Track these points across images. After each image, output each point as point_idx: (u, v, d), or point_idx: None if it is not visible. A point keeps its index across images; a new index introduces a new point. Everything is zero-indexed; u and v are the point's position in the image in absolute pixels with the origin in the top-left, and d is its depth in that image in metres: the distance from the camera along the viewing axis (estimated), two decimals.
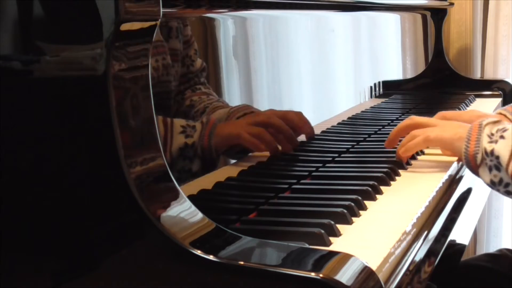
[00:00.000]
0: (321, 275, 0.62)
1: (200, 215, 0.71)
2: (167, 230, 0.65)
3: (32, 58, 0.68)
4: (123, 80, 0.65)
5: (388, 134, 1.24)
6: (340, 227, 0.84)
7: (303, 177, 1.10)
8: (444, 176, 1.12)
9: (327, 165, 1.17)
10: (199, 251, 0.65)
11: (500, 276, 1.29)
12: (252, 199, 0.97)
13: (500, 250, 1.40)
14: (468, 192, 1.20)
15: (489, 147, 1.00)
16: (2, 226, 0.69)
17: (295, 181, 1.07)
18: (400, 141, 1.20)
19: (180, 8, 0.92)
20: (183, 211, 0.69)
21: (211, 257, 0.65)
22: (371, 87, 1.79)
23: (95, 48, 0.65)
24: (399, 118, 1.64)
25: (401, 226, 0.86)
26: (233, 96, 1.07)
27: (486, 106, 1.95)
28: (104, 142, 0.66)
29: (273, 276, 0.64)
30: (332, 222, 0.84)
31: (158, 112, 0.84)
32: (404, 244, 0.84)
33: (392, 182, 1.08)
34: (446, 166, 1.18)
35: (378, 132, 1.46)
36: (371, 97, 1.78)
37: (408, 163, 1.19)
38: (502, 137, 1.00)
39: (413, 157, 1.23)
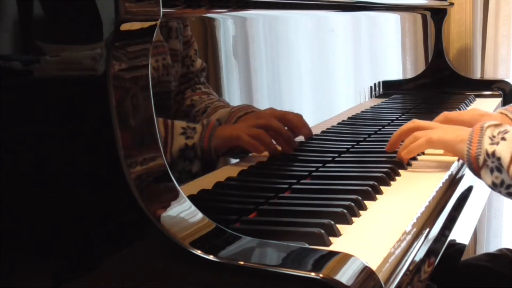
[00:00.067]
0: (321, 275, 0.62)
1: (200, 215, 0.71)
2: (167, 230, 0.65)
3: (32, 58, 0.68)
4: (123, 80, 0.65)
5: (388, 134, 1.24)
6: (340, 227, 0.84)
7: (303, 177, 1.10)
8: (444, 176, 1.12)
9: (327, 165, 1.17)
10: (199, 251, 0.65)
11: (500, 275, 1.29)
12: (252, 199, 0.97)
13: (500, 250, 1.40)
14: (468, 192, 1.20)
15: (490, 149, 1.01)
16: (2, 226, 0.69)
17: (295, 181, 1.07)
18: (400, 144, 1.20)
19: (180, 8, 0.92)
20: (183, 211, 0.69)
21: (211, 257, 0.65)
22: (371, 87, 1.79)
23: (95, 48, 0.65)
24: (399, 118, 1.64)
25: (401, 226, 0.86)
26: (233, 96, 1.07)
27: (486, 106, 1.95)
28: (104, 142, 0.66)
29: (273, 276, 0.64)
30: (332, 222, 0.83)
31: (159, 113, 0.84)
32: (404, 244, 0.84)
33: (392, 182, 1.08)
34: (446, 166, 1.18)
35: (378, 132, 1.46)
36: (371, 97, 1.78)
37: (408, 163, 1.19)
38: (503, 138, 1.00)
39: (414, 157, 1.23)
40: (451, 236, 1.02)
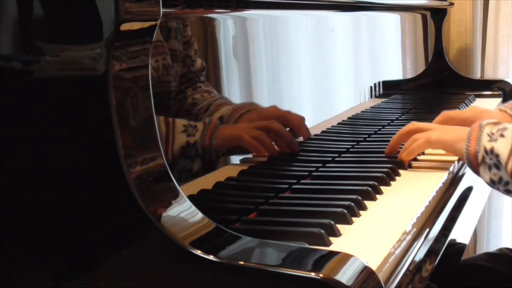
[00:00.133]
0: (321, 275, 0.62)
1: (200, 215, 0.71)
2: (167, 230, 0.65)
3: (32, 58, 0.68)
4: (123, 80, 0.65)
5: (388, 134, 1.24)
6: (340, 227, 0.84)
7: (303, 177, 1.10)
8: (444, 176, 1.12)
9: (327, 165, 1.17)
10: (199, 251, 0.65)
11: (500, 275, 1.29)
12: (252, 199, 0.97)
13: (500, 250, 1.40)
14: (468, 191, 1.20)
15: (489, 146, 1.01)
16: (2, 226, 0.69)
17: (295, 181, 1.07)
18: (401, 147, 1.20)
19: (180, 8, 0.92)
20: (183, 211, 0.69)
21: (211, 257, 0.65)
22: (371, 87, 1.79)
23: (95, 48, 0.65)
24: (399, 118, 1.64)
25: (401, 226, 0.86)
26: (233, 96, 1.07)
27: (486, 106, 1.94)
28: (104, 142, 0.66)
29: (273, 276, 0.64)
30: (332, 222, 0.83)
31: (160, 112, 0.85)
32: (404, 244, 0.84)
33: (392, 182, 1.08)
34: (446, 166, 1.18)
35: (378, 132, 1.46)
36: (371, 97, 1.78)
37: (409, 164, 1.19)
38: (502, 136, 1.00)
39: (414, 158, 1.23)
40: (451, 236, 1.02)
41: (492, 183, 1.02)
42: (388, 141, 1.23)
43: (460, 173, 1.22)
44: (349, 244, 0.80)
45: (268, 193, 0.99)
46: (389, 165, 1.12)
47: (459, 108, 1.81)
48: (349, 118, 1.56)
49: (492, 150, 1.00)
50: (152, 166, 0.68)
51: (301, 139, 1.25)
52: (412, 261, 0.83)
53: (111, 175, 0.66)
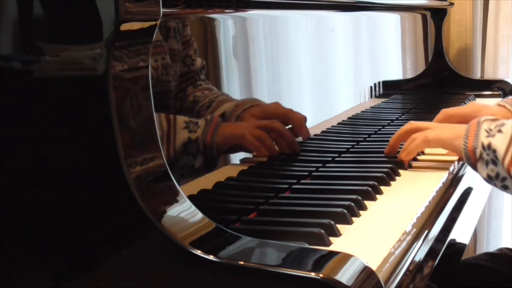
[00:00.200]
0: (321, 275, 0.62)
1: (200, 215, 0.71)
2: (167, 230, 0.65)
3: (32, 58, 0.68)
4: (123, 80, 0.65)
5: (388, 134, 1.24)
6: (340, 227, 0.84)
7: (303, 177, 1.10)
8: (444, 176, 1.12)
9: (327, 165, 1.17)
10: (199, 251, 0.65)
11: (500, 275, 1.29)
12: (252, 199, 0.97)
13: (500, 249, 1.40)
14: (468, 191, 1.20)
15: (486, 141, 1.00)
16: (2, 226, 0.69)
17: (295, 181, 1.07)
18: (400, 146, 1.20)
19: (180, 8, 0.93)
20: (183, 211, 0.69)
21: (211, 257, 0.65)
22: (371, 87, 1.79)
23: (95, 48, 0.65)
24: (399, 118, 1.64)
25: (401, 226, 0.86)
26: (233, 96, 1.06)
27: None
28: (104, 142, 0.66)
29: (273, 276, 0.64)
30: (332, 222, 0.83)
31: (159, 111, 0.84)
32: (404, 244, 0.84)
33: (392, 182, 1.08)
34: (446, 166, 1.18)
35: (378, 132, 1.46)
36: (371, 97, 1.78)
37: (409, 164, 1.19)
38: (499, 131, 1.00)
39: (414, 158, 1.23)
40: (451, 236, 1.02)
41: (489, 179, 1.01)
42: (388, 141, 1.23)
43: (460, 173, 1.22)
44: (349, 244, 0.80)
45: (268, 193, 0.99)
46: (389, 165, 1.12)
47: None
48: (349, 118, 1.56)
49: (489, 146, 1.00)
50: (152, 166, 0.68)
51: (300, 139, 1.25)
52: (412, 261, 0.83)
53: (111, 175, 0.66)
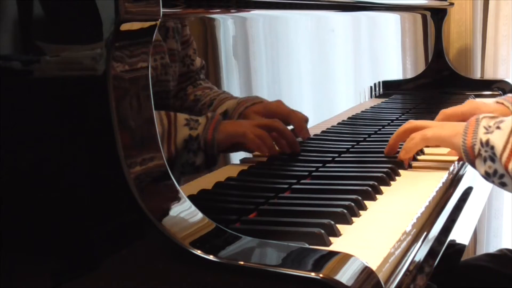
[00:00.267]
0: (321, 275, 0.62)
1: (200, 215, 0.71)
2: (167, 230, 0.65)
3: (32, 58, 0.68)
4: (123, 80, 0.65)
5: (388, 134, 1.24)
6: (340, 227, 0.84)
7: (303, 177, 1.10)
8: (444, 176, 1.12)
9: (327, 165, 1.17)
10: (199, 251, 0.65)
11: (500, 276, 1.29)
12: (252, 199, 0.97)
13: (500, 250, 1.40)
14: (468, 191, 1.20)
15: (484, 138, 1.00)
16: (2, 226, 0.69)
17: (295, 181, 1.07)
18: (400, 147, 1.20)
19: (180, 8, 0.92)
20: (183, 211, 0.69)
21: (211, 257, 0.65)
22: (371, 87, 1.79)
23: (95, 48, 0.65)
24: (399, 118, 1.64)
25: (401, 226, 0.86)
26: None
27: None
28: (104, 142, 0.66)
29: (273, 276, 0.64)
30: (332, 222, 0.84)
31: (160, 109, 0.84)
32: (404, 244, 0.84)
33: (392, 182, 1.08)
34: (446, 166, 1.18)
35: (378, 132, 1.46)
36: (371, 97, 1.78)
37: (409, 164, 1.19)
38: (498, 128, 1.00)
39: (413, 157, 1.23)
40: (451, 236, 1.02)
41: (487, 176, 1.01)
42: (388, 141, 1.23)
43: (460, 173, 1.22)
44: (349, 244, 0.80)
45: (268, 193, 0.99)
46: (389, 165, 1.12)
47: None
48: (349, 118, 1.56)
49: (487, 142, 0.99)
50: (152, 166, 0.68)
51: (300, 139, 1.25)
52: (412, 261, 0.83)
53: (111, 175, 0.66)
